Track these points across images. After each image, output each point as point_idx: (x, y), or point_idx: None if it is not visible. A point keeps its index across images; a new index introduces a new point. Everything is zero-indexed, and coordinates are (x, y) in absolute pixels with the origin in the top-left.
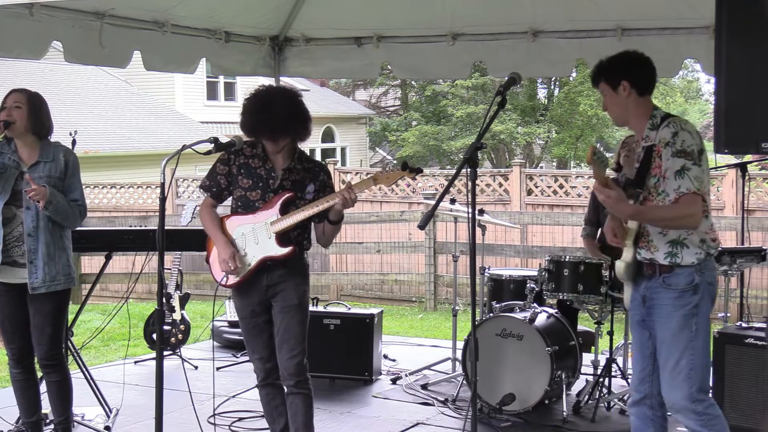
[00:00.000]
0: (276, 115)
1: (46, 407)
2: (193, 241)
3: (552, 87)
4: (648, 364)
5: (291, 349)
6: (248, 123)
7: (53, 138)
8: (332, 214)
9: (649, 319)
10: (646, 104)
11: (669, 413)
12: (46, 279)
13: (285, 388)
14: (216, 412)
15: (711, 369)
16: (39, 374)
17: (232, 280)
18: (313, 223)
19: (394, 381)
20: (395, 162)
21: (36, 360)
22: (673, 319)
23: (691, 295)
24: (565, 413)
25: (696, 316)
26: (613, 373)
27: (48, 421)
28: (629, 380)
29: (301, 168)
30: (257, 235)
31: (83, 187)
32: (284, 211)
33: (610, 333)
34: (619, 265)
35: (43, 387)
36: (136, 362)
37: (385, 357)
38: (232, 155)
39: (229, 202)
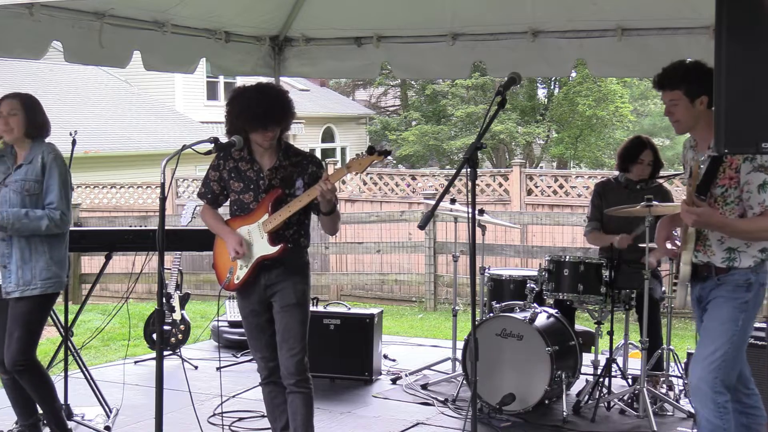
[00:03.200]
0: (279, 102)
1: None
2: (193, 241)
3: (552, 87)
4: None
5: (290, 348)
6: (251, 115)
7: (52, 138)
8: (321, 206)
9: (704, 315)
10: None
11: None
12: (20, 283)
13: (285, 386)
14: (216, 412)
15: (739, 369)
16: None
17: (234, 283)
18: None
19: (394, 381)
20: (395, 162)
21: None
22: (722, 310)
23: (743, 291)
24: (565, 413)
25: (744, 312)
26: (613, 373)
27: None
28: (629, 380)
29: (288, 163)
30: (252, 237)
31: (83, 186)
32: (275, 209)
33: (610, 333)
34: (685, 269)
35: None
36: (136, 362)
37: (385, 357)
38: (222, 160)
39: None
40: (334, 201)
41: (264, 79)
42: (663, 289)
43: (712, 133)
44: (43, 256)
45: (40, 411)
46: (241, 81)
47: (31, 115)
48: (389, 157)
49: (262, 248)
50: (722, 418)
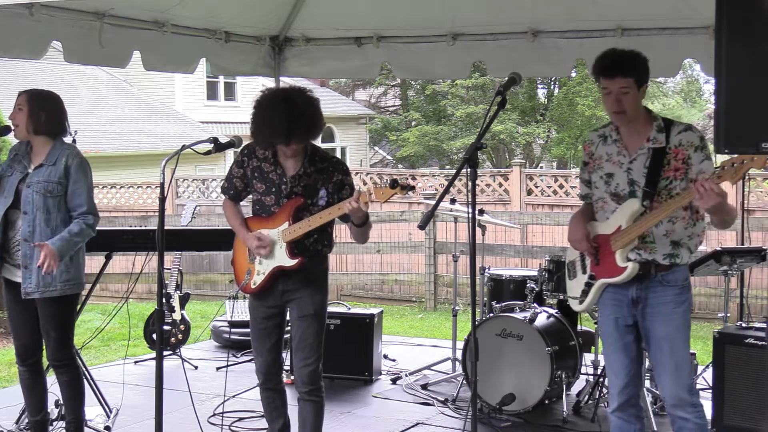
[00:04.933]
0: (304, 118)
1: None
2: (193, 241)
3: (551, 87)
4: (634, 367)
5: (305, 357)
6: (273, 129)
7: None
8: (353, 219)
9: (645, 319)
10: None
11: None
12: (40, 285)
13: (297, 393)
14: (216, 412)
15: None
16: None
17: (251, 287)
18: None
19: (394, 381)
20: (394, 162)
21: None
22: (675, 316)
23: (687, 292)
24: (565, 413)
25: (689, 311)
26: None
27: (53, 419)
28: None
29: (314, 170)
30: (271, 243)
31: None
32: (296, 218)
33: None
34: (634, 267)
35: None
36: (136, 362)
37: (385, 357)
38: (245, 157)
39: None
40: (366, 214)
41: (263, 80)
42: None
43: (648, 124)
44: (62, 261)
45: (50, 409)
46: (240, 81)
47: (35, 112)
48: (389, 157)
49: (280, 258)
50: (703, 417)
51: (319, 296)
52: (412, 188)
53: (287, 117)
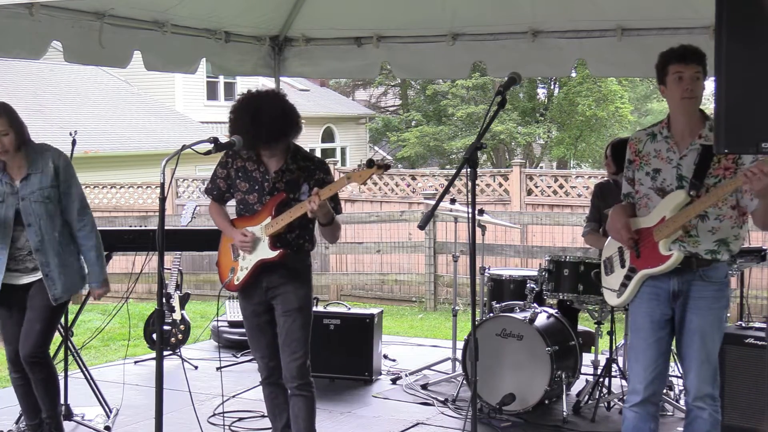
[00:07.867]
0: (268, 125)
1: None
2: (193, 241)
3: (552, 87)
4: (663, 362)
5: (292, 352)
6: (246, 138)
7: (52, 138)
8: (318, 219)
9: (683, 312)
10: None
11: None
12: (67, 287)
13: (287, 389)
14: (216, 412)
15: None
16: None
17: (235, 283)
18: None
19: (394, 381)
20: (394, 162)
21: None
22: (712, 312)
23: (725, 289)
24: (565, 413)
25: (726, 308)
26: (613, 373)
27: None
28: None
29: (296, 167)
30: (255, 239)
31: (83, 186)
32: (278, 213)
33: (610, 333)
34: (679, 256)
35: None
36: (136, 362)
37: (385, 357)
38: (230, 158)
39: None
40: (332, 213)
41: (263, 80)
42: None
43: (702, 123)
44: (74, 256)
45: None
46: (240, 81)
47: (18, 129)
48: (389, 157)
49: (262, 252)
50: (719, 412)
51: (303, 290)
52: (388, 167)
53: (257, 126)
